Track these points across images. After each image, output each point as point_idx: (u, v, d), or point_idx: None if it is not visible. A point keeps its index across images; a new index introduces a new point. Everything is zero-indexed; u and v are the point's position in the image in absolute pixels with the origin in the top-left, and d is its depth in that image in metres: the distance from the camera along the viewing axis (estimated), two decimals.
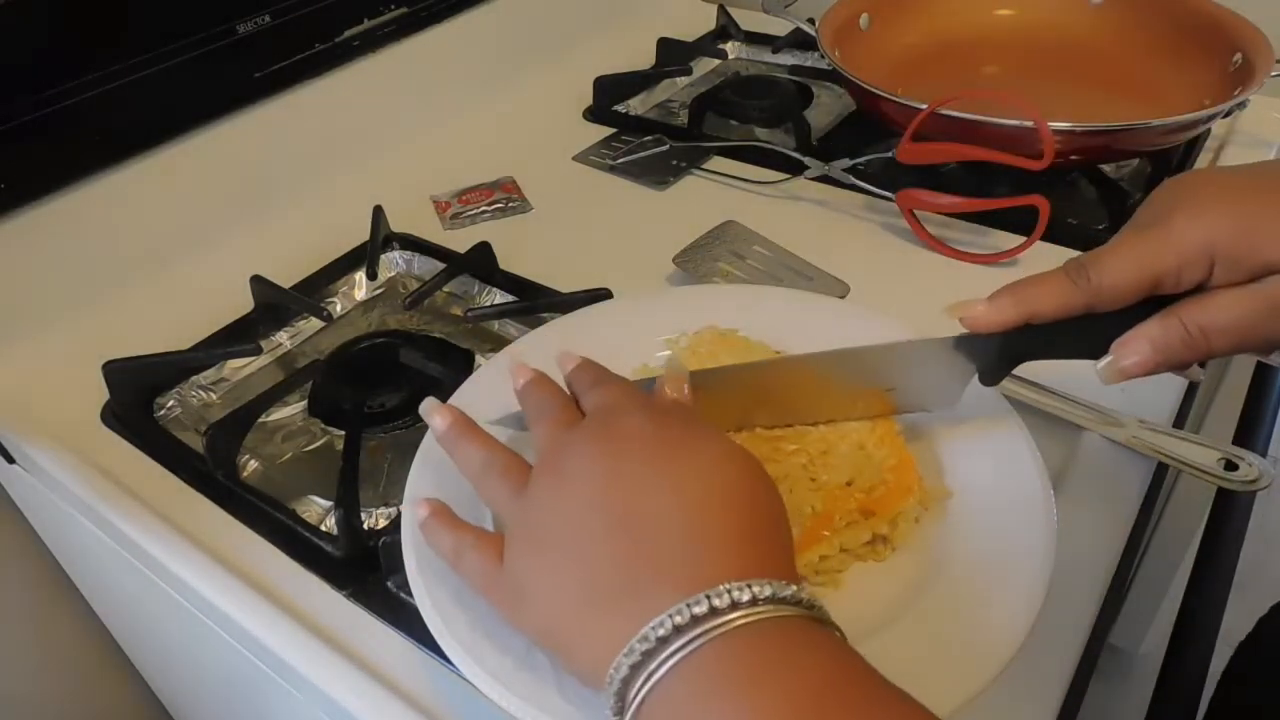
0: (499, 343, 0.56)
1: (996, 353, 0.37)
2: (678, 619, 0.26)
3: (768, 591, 0.26)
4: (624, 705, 0.26)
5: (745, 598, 0.26)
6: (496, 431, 0.38)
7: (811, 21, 0.78)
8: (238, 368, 0.57)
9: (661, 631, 0.26)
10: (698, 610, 0.26)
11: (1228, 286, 0.32)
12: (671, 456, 0.31)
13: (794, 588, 0.27)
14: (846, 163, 0.67)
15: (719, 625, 0.25)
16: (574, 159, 0.75)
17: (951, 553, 0.37)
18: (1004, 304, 0.35)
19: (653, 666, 0.25)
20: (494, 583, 0.32)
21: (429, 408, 0.37)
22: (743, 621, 0.25)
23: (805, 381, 0.41)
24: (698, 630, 0.25)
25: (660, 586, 0.27)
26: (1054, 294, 0.34)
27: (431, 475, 0.41)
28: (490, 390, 0.44)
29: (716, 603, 0.26)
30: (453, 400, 0.43)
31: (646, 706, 0.25)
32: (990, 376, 0.38)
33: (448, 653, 0.34)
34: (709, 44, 0.90)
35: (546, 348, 0.48)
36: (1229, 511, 0.53)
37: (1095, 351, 0.35)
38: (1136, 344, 0.34)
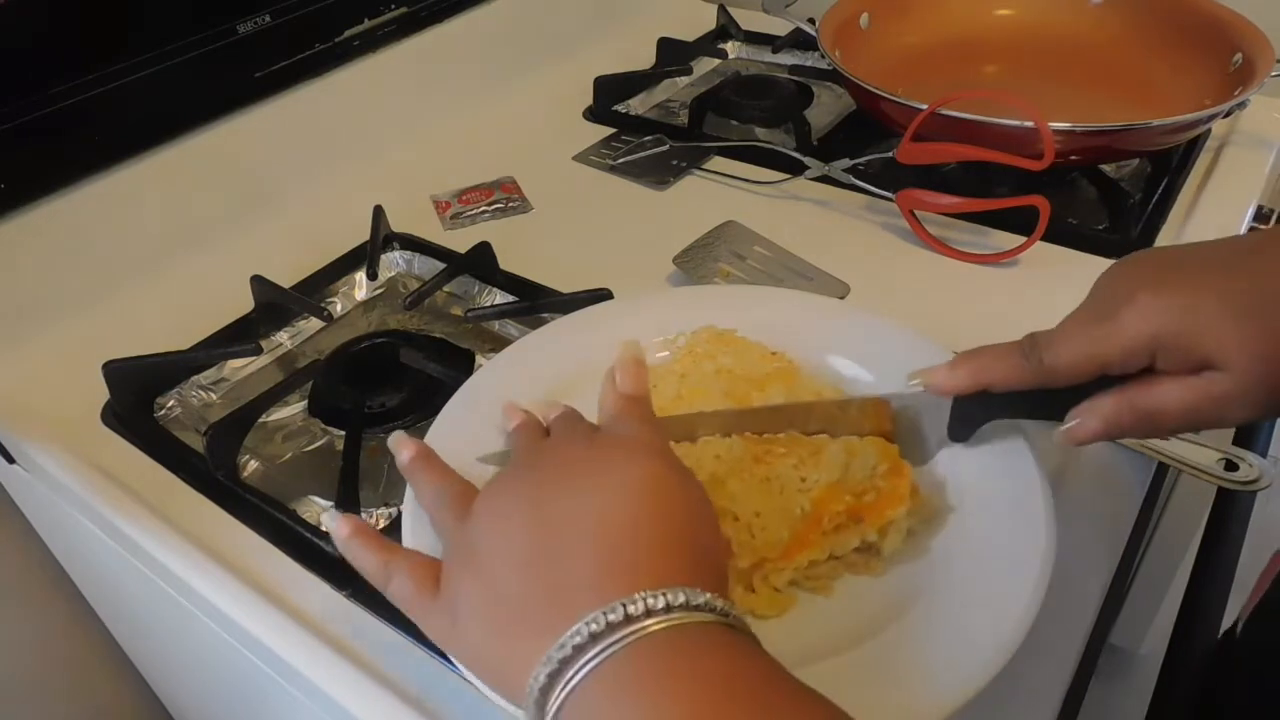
0: (499, 343, 0.56)
1: (957, 414, 0.40)
2: (593, 626, 0.26)
3: (681, 598, 0.27)
4: (543, 715, 0.27)
5: (659, 604, 0.27)
6: (481, 468, 0.40)
7: (811, 21, 0.78)
8: (238, 368, 0.57)
9: (578, 640, 0.26)
10: (613, 617, 0.26)
11: (1174, 375, 0.34)
12: (590, 475, 0.32)
13: (707, 595, 0.28)
14: (846, 163, 0.67)
15: (634, 631, 0.26)
16: (574, 159, 0.75)
17: (951, 553, 0.37)
18: (960, 372, 0.38)
19: (569, 674, 0.26)
20: (425, 607, 0.32)
21: (396, 441, 0.39)
22: (657, 627, 0.26)
23: (783, 422, 0.42)
24: (614, 637, 0.26)
25: (580, 601, 0.28)
26: (1008, 369, 0.37)
27: None
28: (480, 411, 0.44)
29: (631, 610, 0.27)
30: (439, 421, 0.44)
31: (564, 713, 0.26)
32: (955, 434, 0.40)
33: (447, 651, 0.34)
34: (709, 44, 0.90)
35: (546, 348, 0.48)
36: (1229, 511, 0.53)
37: (1050, 415, 0.37)
38: (1089, 418, 0.36)
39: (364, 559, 0.35)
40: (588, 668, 0.26)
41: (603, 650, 0.26)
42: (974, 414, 0.39)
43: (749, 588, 0.36)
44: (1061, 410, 0.37)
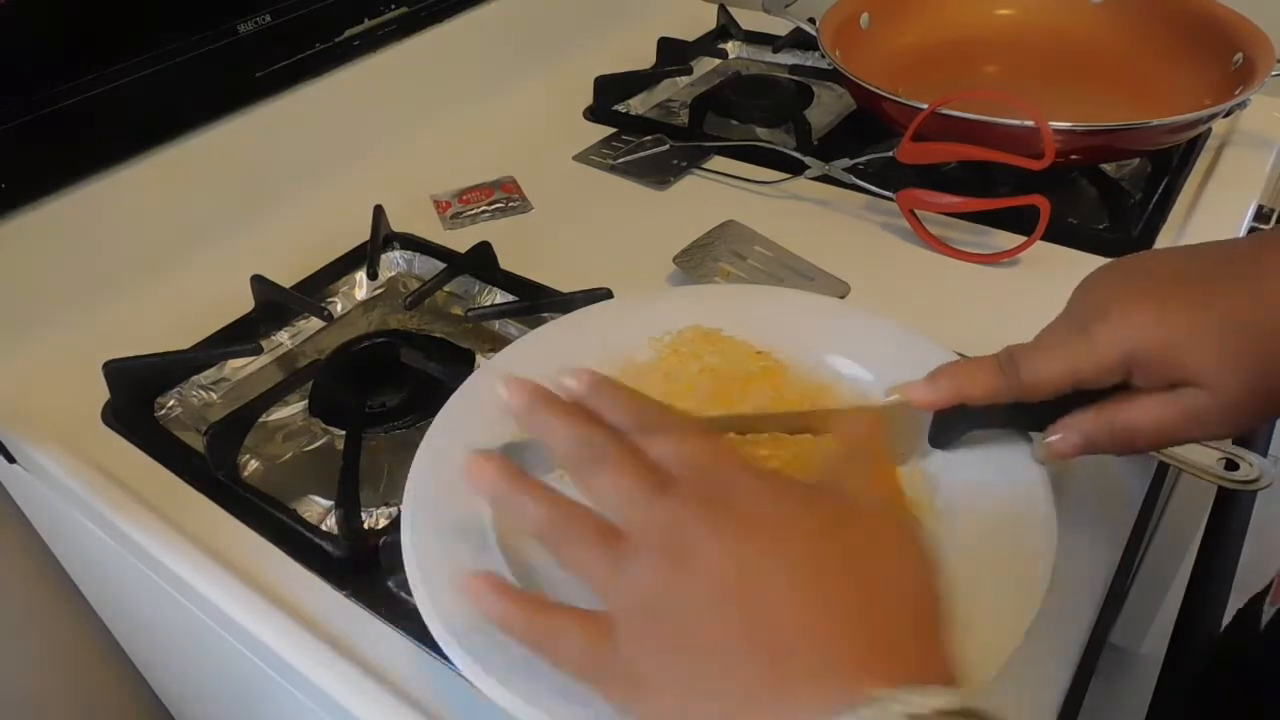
0: (499, 342, 0.56)
1: (938, 424, 0.40)
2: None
3: (955, 703, 0.23)
4: None
5: (928, 709, 0.23)
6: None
7: (812, 21, 0.78)
8: (238, 367, 0.57)
9: None
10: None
11: (1150, 391, 0.34)
12: (811, 541, 0.28)
13: (974, 700, 0.24)
14: (847, 163, 0.67)
15: None
16: (574, 159, 0.75)
17: (950, 552, 0.37)
18: (940, 385, 0.38)
19: None
20: (603, 668, 0.29)
21: (475, 464, 0.33)
22: None
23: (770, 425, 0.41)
24: None
25: (818, 690, 0.25)
26: (985, 383, 0.37)
27: (432, 476, 0.41)
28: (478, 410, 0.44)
29: (899, 709, 0.23)
30: (439, 420, 0.43)
31: None
32: (937, 442, 0.41)
33: (447, 651, 0.34)
34: (709, 44, 0.90)
35: (546, 347, 0.48)
36: (1229, 511, 0.53)
37: (1030, 427, 0.38)
38: (1068, 433, 0.37)
39: (517, 624, 0.31)
40: None
41: None
42: (954, 425, 0.40)
43: None
44: (1040, 422, 0.38)
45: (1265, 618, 0.48)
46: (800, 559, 0.27)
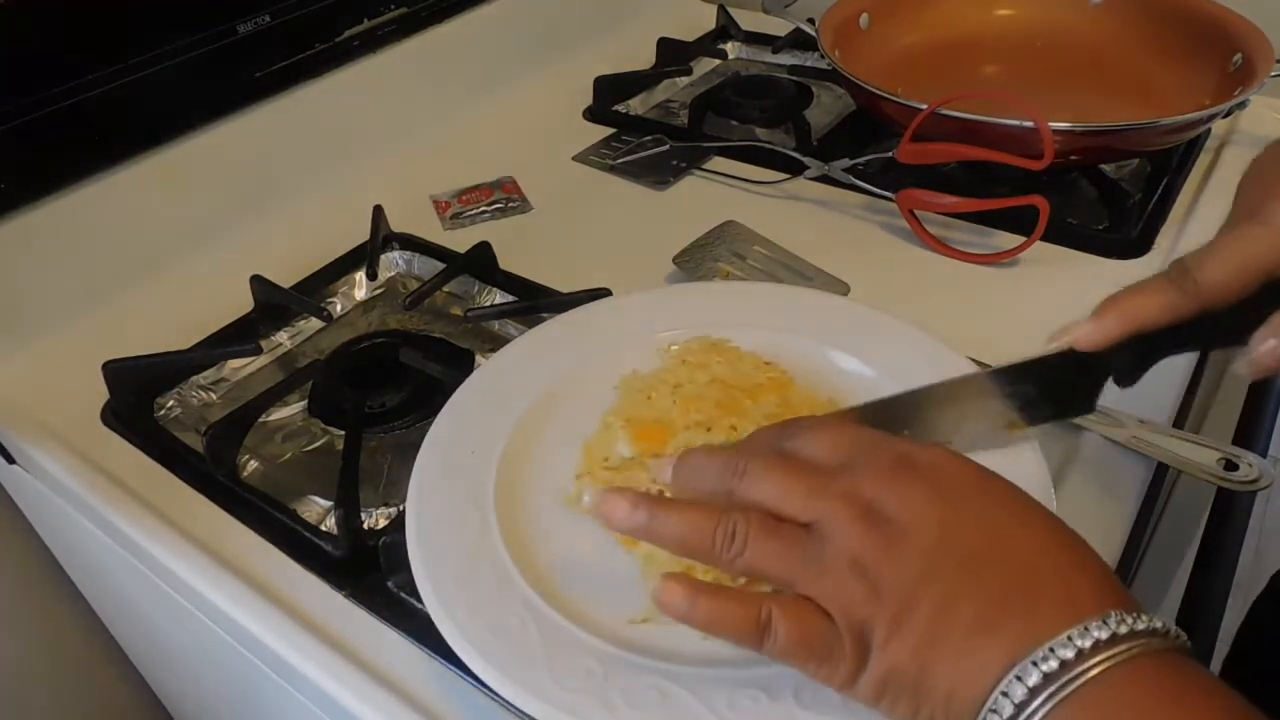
0: (499, 342, 0.56)
1: (1119, 363, 0.37)
2: (1081, 641, 0.25)
3: (1157, 625, 0.26)
4: None
5: (1140, 626, 0.26)
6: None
7: (811, 21, 0.78)
8: (238, 368, 0.57)
9: (1066, 654, 0.25)
10: (1100, 634, 0.25)
11: None
12: (991, 490, 0.30)
13: (1161, 622, 0.27)
14: (846, 163, 0.67)
15: (1119, 652, 0.25)
16: (574, 159, 0.75)
17: None
18: (1109, 321, 0.35)
19: (1053, 689, 0.25)
20: (827, 644, 0.29)
21: (607, 502, 0.32)
22: (1138, 651, 0.25)
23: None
24: (1102, 655, 0.25)
25: (1044, 612, 0.27)
26: (1159, 304, 0.34)
27: (433, 476, 0.41)
28: (474, 410, 0.44)
29: (1118, 629, 0.26)
30: (440, 420, 0.43)
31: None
32: (1123, 381, 0.37)
33: (450, 642, 0.34)
34: (709, 44, 0.90)
35: (546, 347, 0.48)
36: (1229, 511, 0.53)
37: (1225, 342, 0.35)
38: (1270, 341, 0.33)
39: (724, 618, 0.30)
40: (1077, 683, 0.25)
41: (1101, 662, 0.25)
42: (1137, 359, 0.36)
43: None
44: (1235, 333, 0.34)
45: None
46: (991, 500, 0.29)
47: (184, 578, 0.44)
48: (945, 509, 0.29)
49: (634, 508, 0.31)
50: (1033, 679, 0.25)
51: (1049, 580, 0.27)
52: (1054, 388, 0.38)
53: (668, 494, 0.37)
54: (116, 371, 0.52)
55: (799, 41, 0.87)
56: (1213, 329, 0.35)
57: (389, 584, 0.42)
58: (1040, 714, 0.25)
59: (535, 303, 0.57)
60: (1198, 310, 0.34)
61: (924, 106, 0.61)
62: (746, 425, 0.41)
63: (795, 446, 0.32)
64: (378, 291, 0.63)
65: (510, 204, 0.69)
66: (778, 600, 0.29)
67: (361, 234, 0.63)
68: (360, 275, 0.63)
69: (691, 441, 0.41)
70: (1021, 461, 0.39)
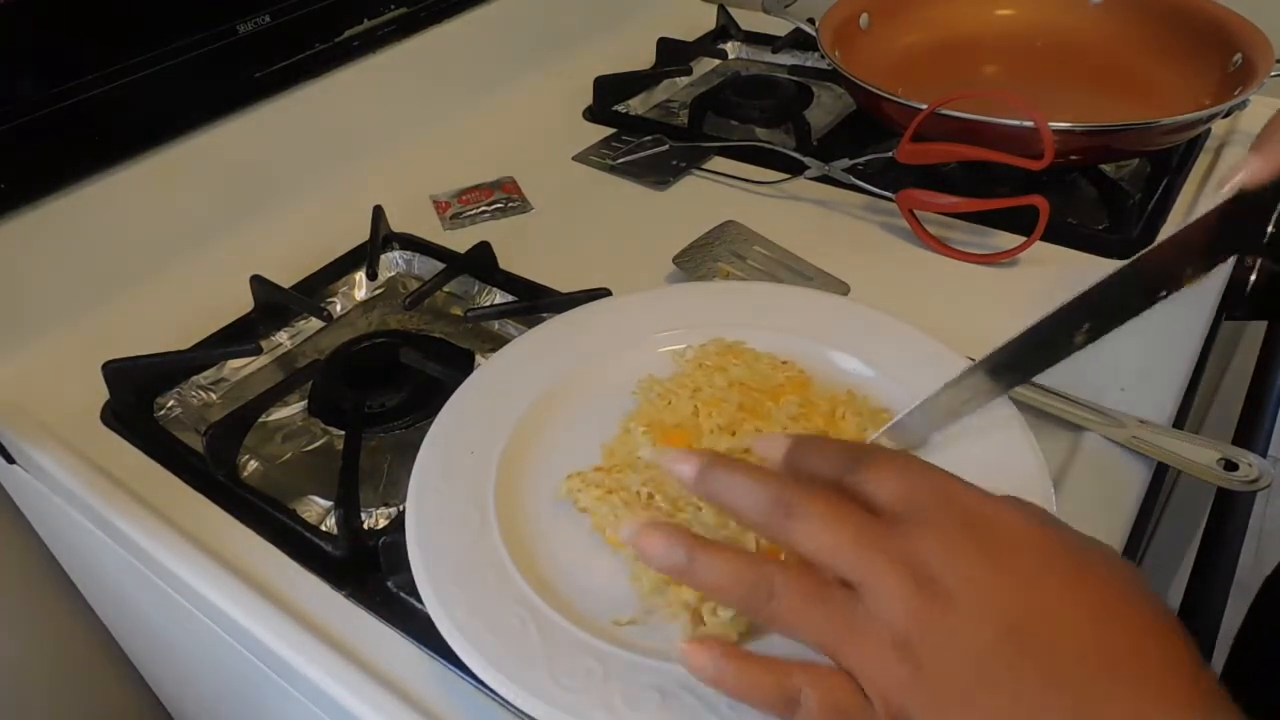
0: (499, 342, 0.56)
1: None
2: None
3: None
4: None
5: None
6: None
7: (811, 21, 0.78)
8: (238, 368, 0.57)
9: None
10: None
11: None
12: (1084, 569, 0.26)
13: None
14: (846, 163, 0.67)
15: None
16: (574, 159, 0.75)
17: None
18: (1274, 149, 0.35)
19: None
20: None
21: (643, 537, 0.30)
22: None
23: None
24: None
25: (1165, 689, 0.24)
26: None
27: (433, 476, 0.41)
28: (472, 413, 0.44)
29: None
30: (439, 420, 0.43)
31: None
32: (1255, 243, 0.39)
33: (449, 640, 0.34)
34: (709, 44, 0.90)
35: (546, 347, 0.48)
36: (1229, 511, 0.53)
37: None
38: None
39: (752, 687, 0.28)
40: None
41: None
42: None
43: (698, 620, 0.35)
44: None
45: None
46: (1081, 582, 0.25)
47: (184, 578, 0.44)
48: (1018, 589, 0.25)
49: (671, 546, 0.29)
50: None
51: (1135, 695, 0.23)
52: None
53: (657, 498, 0.37)
54: (116, 371, 0.52)
55: (799, 41, 0.87)
56: None
57: (389, 584, 0.42)
58: None
59: (535, 303, 0.57)
60: None
61: (924, 106, 0.61)
62: (771, 428, 0.41)
63: (857, 482, 0.29)
64: (378, 291, 0.63)
65: (510, 204, 0.69)
66: (810, 671, 0.27)
67: (361, 234, 0.63)
68: (360, 275, 0.63)
69: (716, 446, 0.41)
70: (1022, 462, 0.39)
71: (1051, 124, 0.58)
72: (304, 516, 0.46)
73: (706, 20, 0.93)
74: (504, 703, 0.35)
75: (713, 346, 0.46)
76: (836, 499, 0.28)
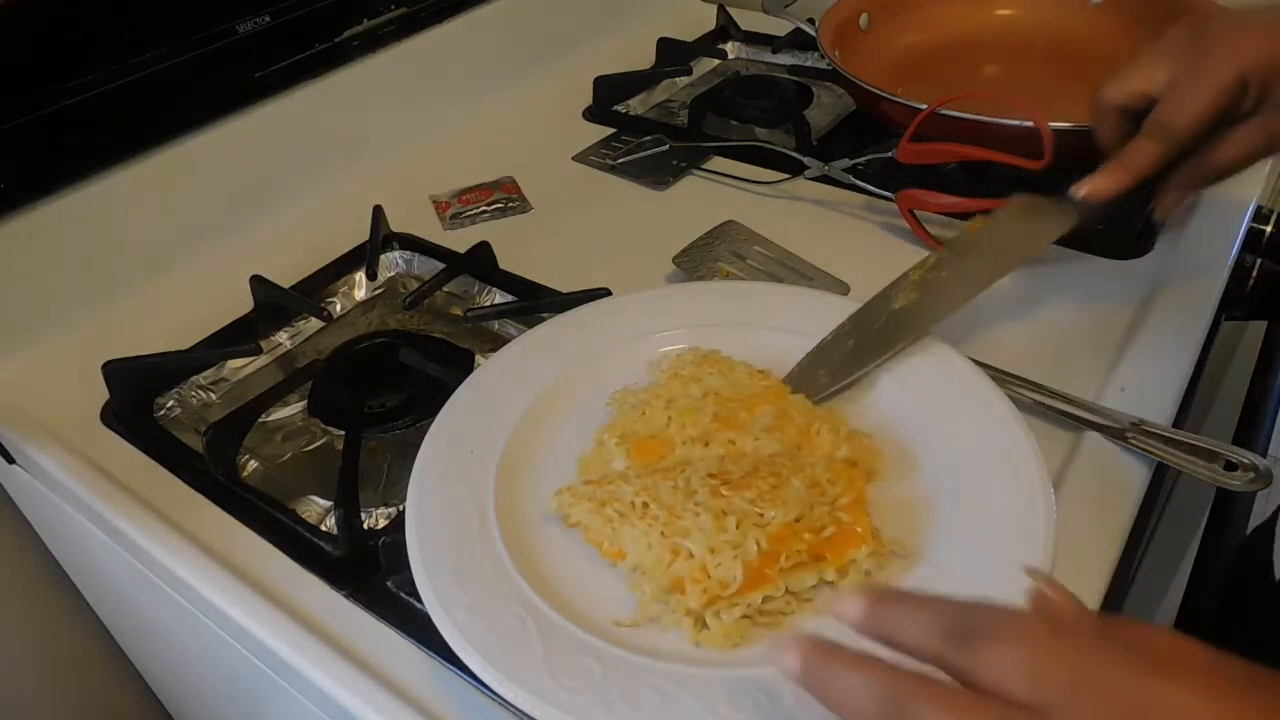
0: (499, 343, 0.56)
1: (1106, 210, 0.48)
2: None
3: None
4: None
5: None
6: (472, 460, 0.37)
7: (811, 21, 0.78)
8: (238, 368, 0.57)
9: None
10: None
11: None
12: None
13: None
14: (846, 163, 0.67)
15: None
16: (574, 159, 0.75)
17: (950, 551, 0.37)
18: (1119, 175, 0.46)
19: None
20: None
21: (780, 645, 0.27)
22: None
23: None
24: None
25: None
26: (1152, 156, 0.45)
27: (433, 476, 0.41)
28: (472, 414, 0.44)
29: None
30: (439, 420, 0.43)
31: None
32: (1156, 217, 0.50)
33: (448, 639, 0.34)
34: (709, 44, 0.90)
35: (546, 347, 0.48)
36: (1229, 511, 0.53)
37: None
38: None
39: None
40: None
41: None
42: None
43: (701, 625, 0.35)
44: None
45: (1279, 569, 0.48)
46: None
47: (184, 578, 0.44)
48: None
49: (807, 661, 0.26)
50: None
51: None
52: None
53: (652, 507, 0.37)
54: (116, 371, 0.52)
55: (799, 41, 0.87)
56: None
57: (389, 584, 0.42)
58: None
59: (535, 303, 0.57)
60: (1178, 152, 0.44)
61: (924, 106, 0.61)
62: (744, 438, 0.41)
63: (968, 665, 0.24)
64: (378, 291, 0.63)
65: (510, 204, 0.69)
66: (925, 681, 0.24)
67: (361, 234, 0.63)
68: (360, 275, 0.63)
69: (689, 456, 0.40)
70: (1021, 462, 0.39)
71: (1051, 124, 0.58)
72: (304, 516, 0.46)
73: (706, 20, 0.93)
74: (504, 703, 0.35)
75: (690, 356, 0.46)
76: (953, 698, 0.23)
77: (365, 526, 0.45)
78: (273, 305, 0.59)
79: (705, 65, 0.90)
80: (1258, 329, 0.64)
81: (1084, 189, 0.47)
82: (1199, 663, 0.22)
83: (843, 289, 0.58)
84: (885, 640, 0.26)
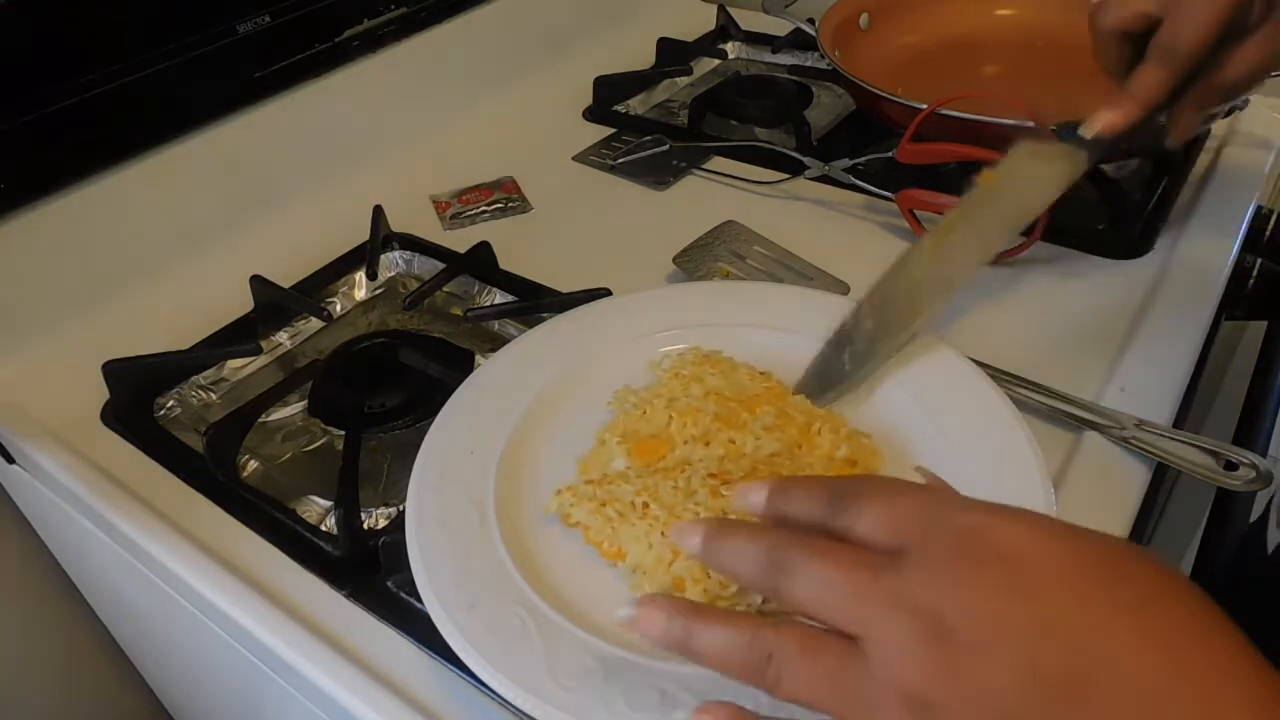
0: (499, 343, 0.56)
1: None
2: None
3: None
4: None
5: None
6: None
7: (811, 21, 0.78)
8: (238, 368, 0.57)
9: None
10: None
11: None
12: (1100, 580, 0.22)
13: None
14: (846, 163, 0.67)
15: None
16: (574, 159, 0.75)
17: None
18: (1129, 107, 0.44)
19: None
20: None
21: (639, 614, 0.28)
22: None
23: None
24: None
25: None
26: (1160, 82, 0.43)
27: (433, 476, 0.41)
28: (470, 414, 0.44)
29: None
30: (439, 420, 0.43)
31: None
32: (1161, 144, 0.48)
33: (448, 639, 0.34)
34: (709, 44, 0.90)
35: (546, 347, 0.48)
36: (1229, 511, 0.53)
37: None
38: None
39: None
40: None
41: None
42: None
43: None
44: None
45: (1272, 543, 0.48)
46: (1099, 594, 0.22)
47: (184, 578, 0.44)
48: (1029, 615, 0.22)
49: (670, 620, 0.27)
50: None
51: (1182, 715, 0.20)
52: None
53: (652, 507, 0.37)
54: (116, 371, 0.52)
55: (799, 41, 0.87)
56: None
57: (389, 584, 0.42)
58: None
59: (535, 303, 0.57)
60: (1187, 75, 0.43)
61: (924, 106, 0.61)
62: (744, 438, 0.41)
63: (844, 525, 0.26)
64: (378, 291, 0.63)
65: (510, 204, 0.69)
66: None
67: (361, 234, 0.63)
68: (360, 275, 0.63)
69: (690, 456, 0.41)
70: (1022, 462, 0.39)
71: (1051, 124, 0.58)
72: (304, 516, 0.46)
73: (706, 20, 0.93)
74: (504, 703, 0.35)
75: (691, 355, 0.46)
76: (825, 546, 0.25)
77: (365, 526, 0.45)
78: (273, 305, 0.59)
79: (705, 65, 0.90)
80: (1258, 329, 0.64)
81: (1095, 126, 0.45)
82: (1040, 517, 0.24)
83: (843, 289, 0.58)
84: (780, 518, 0.28)
